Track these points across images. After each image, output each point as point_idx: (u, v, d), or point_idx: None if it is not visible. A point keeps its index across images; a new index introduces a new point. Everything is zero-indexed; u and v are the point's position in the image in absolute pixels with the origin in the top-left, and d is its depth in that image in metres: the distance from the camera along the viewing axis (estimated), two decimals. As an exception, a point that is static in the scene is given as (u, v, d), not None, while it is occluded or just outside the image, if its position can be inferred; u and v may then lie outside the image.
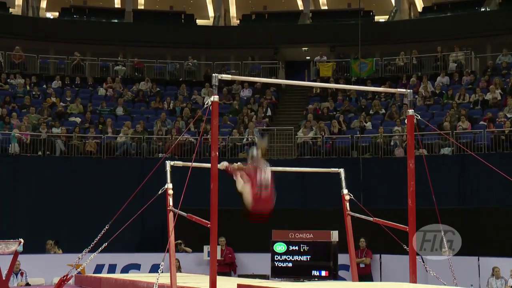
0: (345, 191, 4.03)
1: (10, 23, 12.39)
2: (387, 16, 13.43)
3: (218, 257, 6.67)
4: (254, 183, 3.04)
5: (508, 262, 6.33)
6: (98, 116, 9.94)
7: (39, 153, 8.86)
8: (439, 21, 12.30)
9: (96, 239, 3.91)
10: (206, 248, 6.88)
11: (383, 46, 12.22)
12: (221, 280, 3.42)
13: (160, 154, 8.93)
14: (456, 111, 9.21)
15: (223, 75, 3.19)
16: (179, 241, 6.98)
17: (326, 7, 14.50)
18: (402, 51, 11.54)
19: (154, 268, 6.37)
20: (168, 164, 3.55)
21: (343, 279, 6.64)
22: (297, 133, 9.46)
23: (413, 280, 3.49)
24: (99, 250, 3.90)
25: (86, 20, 13.33)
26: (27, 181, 8.53)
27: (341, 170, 4.09)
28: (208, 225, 2.97)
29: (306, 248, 6.04)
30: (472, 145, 8.32)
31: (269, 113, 10.45)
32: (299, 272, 6.04)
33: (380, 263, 7.13)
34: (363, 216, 3.93)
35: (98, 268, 6.91)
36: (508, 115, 8.84)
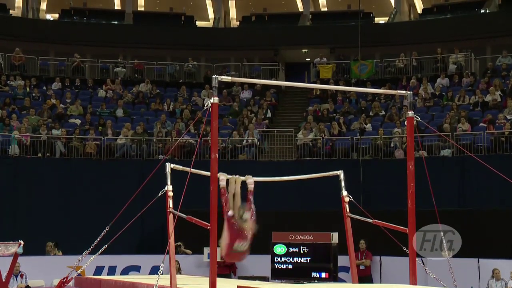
0: (344, 193, 4.00)
1: (10, 24, 12.41)
2: (387, 18, 13.45)
3: (218, 259, 6.65)
4: (231, 242, 3.05)
5: (508, 264, 6.33)
6: (98, 117, 9.95)
7: (39, 154, 8.87)
8: (439, 23, 12.32)
9: (96, 241, 3.91)
10: (206, 250, 6.87)
11: (383, 47, 12.24)
12: (221, 282, 3.42)
13: (160, 156, 8.93)
14: (456, 112, 9.22)
15: (223, 77, 3.20)
16: (179, 244, 6.97)
17: (326, 9, 14.52)
18: (402, 53, 11.55)
19: (154, 270, 6.34)
20: (168, 166, 3.53)
21: (343, 281, 6.64)
22: (297, 135, 9.46)
23: (413, 282, 3.49)
24: (99, 252, 3.90)
25: (86, 22, 13.36)
26: (27, 183, 8.53)
27: (341, 172, 4.06)
28: (208, 227, 2.98)
29: (306, 250, 6.04)
30: (472, 146, 8.33)
31: (269, 114, 10.46)
32: (299, 274, 6.04)
33: (380, 265, 7.13)
34: (363, 218, 3.91)
35: (98, 270, 6.91)
36: (508, 117, 8.85)
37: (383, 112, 10.08)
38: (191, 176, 3.28)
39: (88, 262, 4.05)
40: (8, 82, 10.75)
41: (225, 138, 9.26)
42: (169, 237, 3.36)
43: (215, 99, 2.97)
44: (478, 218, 7.21)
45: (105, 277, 6.08)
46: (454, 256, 3.97)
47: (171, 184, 3.48)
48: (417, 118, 3.45)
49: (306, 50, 13.18)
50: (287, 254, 6.11)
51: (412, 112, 3.44)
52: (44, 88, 10.87)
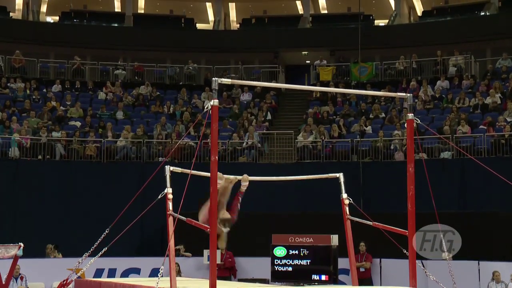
0: (344, 195, 3.97)
1: (11, 27, 12.44)
2: (387, 20, 13.48)
3: (218, 261, 6.64)
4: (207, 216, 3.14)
5: (508, 266, 6.32)
6: (98, 120, 9.97)
7: (39, 157, 8.87)
8: (439, 25, 12.34)
9: (96, 243, 3.88)
10: (206, 252, 6.86)
11: (383, 50, 12.27)
12: (221, 285, 3.41)
13: (160, 158, 8.93)
14: (456, 115, 9.23)
15: (223, 79, 3.19)
16: (178, 248, 6.96)
17: (326, 11, 14.54)
18: (402, 55, 11.58)
19: (154, 272, 6.36)
20: (168, 168, 3.52)
21: (343, 283, 6.62)
22: (297, 137, 9.47)
23: (413, 284, 3.48)
24: (99, 255, 3.86)
25: (86, 24, 13.39)
26: (27, 185, 8.52)
27: (340, 175, 4.02)
28: (208, 230, 2.94)
29: (306, 252, 6.05)
30: (472, 149, 8.33)
31: (269, 117, 10.47)
32: (299, 276, 6.04)
33: (380, 267, 7.12)
34: (363, 221, 3.87)
35: (98, 273, 6.89)
36: (508, 119, 8.86)
37: (383, 115, 10.09)
38: (191, 178, 3.26)
39: (88, 265, 3.99)
40: (9, 84, 10.76)
41: (225, 141, 9.26)
42: (169, 239, 3.34)
43: (215, 102, 2.94)
44: (478, 221, 7.20)
45: (105, 279, 6.05)
46: (454, 259, 3.96)
47: (171, 186, 3.47)
48: (417, 121, 3.42)
49: (306, 52, 13.20)
50: (287, 256, 6.12)
51: (412, 114, 3.40)
52: (44, 90, 10.88)
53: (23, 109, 10.02)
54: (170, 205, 3.45)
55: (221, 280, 4.56)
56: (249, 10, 14.41)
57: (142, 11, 14.51)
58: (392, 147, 8.98)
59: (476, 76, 10.94)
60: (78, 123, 9.81)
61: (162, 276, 3.35)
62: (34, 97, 10.52)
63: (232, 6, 14.70)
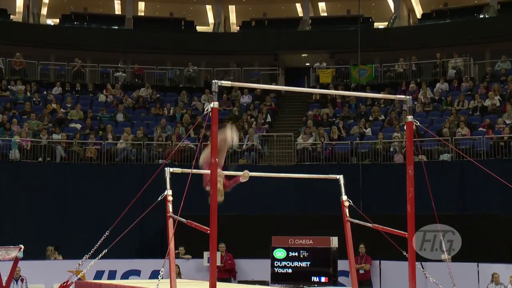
0: (344, 197, 3.97)
1: (11, 30, 12.49)
2: (386, 23, 13.53)
3: (218, 263, 6.66)
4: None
5: (507, 268, 6.33)
6: (99, 122, 9.99)
7: (40, 159, 8.89)
8: (438, 28, 12.39)
9: (97, 245, 3.88)
10: (206, 254, 6.87)
11: (383, 52, 12.30)
12: (221, 286, 3.43)
13: (160, 160, 8.95)
14: (455, 117, 9.26)
15: (223, 82, 3.19)
16: (178, 252, 6.96)
17: (325, 14, 14.61)
18: (402, 58, 11.62)
19: (154, 274, 6.37)
20: (168, 170, 3.52)
21: (342, 285, 6.63)
22: (296, 139, 9.50)
23: (413, 286, 3.48)
24: (99, 256, 3.86)
25: (86, 27, 13.44)
26: (27, 187, 8.54)
27: (340, 177, 4.02)
28: (208, 231, 2.93)
29: (305, 254, 6.07)
30: (471, 151, 8.35)
31: (268, 119, 10.49)
32: (298, 278, 6.06)
33: (380, 269, 7.12)
34: (362, 222, 3.87)
35: (98, 274, 6.90)
36: (507, 122, 8.88)
37: (383, 117, 10.11)
38: (191, 180, 3.24)
39: (88, 267, 3.99)
40: (9, 87, 10.80)
41: (225, 143, 9.25)
42: (169, 241, 3.34)
43: (215, 104, 2.94)
44: (477, 223, 7.21)
45: (105, 281, 6.07)
46: (454, 260, 3.96)
47: (171, 188, 3.46)
48: (417, 123, 3.42)
49: (305, 55, 13.24)
50: (287, 258, 6.14)
51: (412, 116, 3.39)
52: (45, 92, 10.91)
53: (24, 112, 10.06)
54: (170, 207, 3.45)
55: (221, 282, 4.57)
56: (249, 13, 14.48)
57: (142, 14, 14.57)
58: (391, 149, 9.00)
59: (475, 78, 10.98)
60: (78, 125, 9.83)
61: (162, 278, 3.35)
62: (34, 99, 10.56)
63: (232, 9, 14.75)
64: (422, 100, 10.20)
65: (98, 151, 9.10)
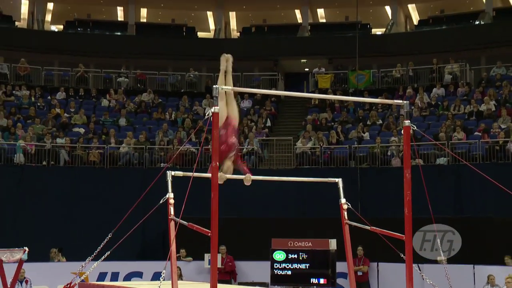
0: (343, 200, 4.00)
1: (16, 36, 12.66)
2: (384, 29, 13.67)
3: (219, 265, 6.76)
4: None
5: (502, 270, 6.42)
6: (101, 126, 10.13)
7: (44, 163, 9.02)
8: (434, 34, 12.54)
9: (99, 247, 3.93)
10: (207, 256, 6.98)
11: (380, 58, 12.44)
12: (221, 288, 3.47)
13: (162, 164, 9.07)
14: (451, 122, 9.38)
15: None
16: (179, 255, 7.07)
17: (324, 20, 14.77)
18: (399, 63, 11.76)
19: (156, 276, 6.43)
20: (169, 174, 3.55)
21: (341, 286, 6.73)
22: (296, 143, 9.61)
23: (410, 287, 3.56)
24: (102, 258, 3.91)
25: (90, 33, 13.60)
26: (31, 190, 8.65)
27: (339, 180, 4.06)
28: (209, 234, 2.95)
29: (305, 256, 6.12)
30: (467, 155, 8.47)
31: (268, 123, 10.63)
32: (298, 280, 6.13)
33: (378, 271, 7.21)
34: (360, 225, 3.91)
35: (101, 276, 6.99)
36: (502, 126, 9.00)
37: (380, 121, 10.23)
38: (192, 184, 3.23)
39: (91, 268, 4.02)
40: (14, 92, 10.95)
41: (226, 147, 9.36)
42: (170, 243, 3.37)
43: (216, 108, 2.97)
44: (473, 225, 7.31)
45: (108, 283, 6.17)
46: (451, 262, 4.02)
47: (173, 191, 3.49)
48: (414, 127, 3.43)
49: (305, 60, 13.38)
50: (286, 260, 6.19)
51: (409, 121, 3.40)
52: (49, 97, 11.06)
53: (28, 116, 10.19)
54: (171, 210, 3.48)
55: (222, 283, 4.60)
56: (249, 19, 14.64)
57: (145, 20, 14.75)
58: (389, 153, 9.12)
59: (471, 83, 11.11)
60: (81, 130, 9.97)
61: (164, 280, 3.39)
62: (38, 104, 10.70)
63: (232, 15, 14.93)
64: (419, 105, 10.34)
65: (101, 155, 9.21)
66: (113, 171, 9.09)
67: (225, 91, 3.62)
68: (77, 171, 9.05)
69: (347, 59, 11.90)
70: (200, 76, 12.59)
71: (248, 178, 3.48)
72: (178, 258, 6.79)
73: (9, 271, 5.00)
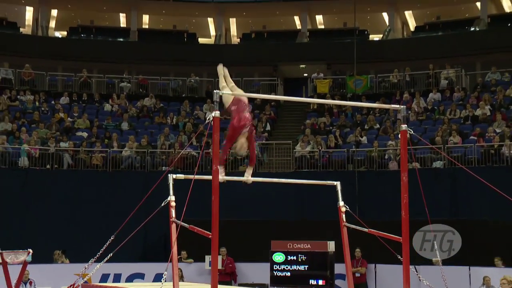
0: (341, 203, 4.02)
1: (21, 42, 12.88)
2: (381, 35, 13.86)
3: (219, 267, 6.88)
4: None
5: (498, 272, 6.51)
6: (104, 131, 10.26)
7: (48, 166, 9.16)
8: (431, 40, 12.72)
9: (102, 249, 3.93)
10: (207, 258, 7.07)
11: (378, 63, 12.60)
12: (221, 289, 3.54)
13: (163, 167, 9.20)
14: (447, 126, 9.51)
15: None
16: (180, 257, 7.17)
17: (322, 26, 14.97)
18: (396, 69, 11.92)
19: (158, 278, 6.51)
20: (171, 177, 3.57)
21: (339, 288, 6.84)
22: (295, 147, 9.73)
23: (407, 289, 3.56)
24: (104, 260, 3.91)
25: (93, 39, 13.80)
26: (36, 193, 8.77)
27: (338, 183, 4.06)
28: (210, 236, 2.97)
29: (304, 258, 6.20)
30: (463, 159, 8.59)
31: (268, 128, 10.76)
32: (297, 281, 6.21)
33: (375, 272, 7.28)
34: (358, 227, 3.93)
35: (104, 277, 7.07)
36: (497, 130, 9.14)
37: (378, 126, 10.36)
38: (193, 186, 3.24)
39: (94, 270, 4.03)
40: (18, 96, 11.11)
41: (226, 151, 9.49)
42: (172, 245, 3.39)
43: (217, 113, 2.99)
44: (469, 228, 7.39)
45: (111, 284, 6.25)
46: (447, 264, 4.04)
47: (174, 194, 3.51)
48: (410, 131, 3.43)
49: (303, 65, 13.55)
50: (285, 262, 6.28)
51: (406, 125, 3.41)
52: (53, 102, 11.23)
53: (32, 120, 10.34)
54: (173, 212, 3.50)
55: (222, 285, 4.59)
56: (249, 25, 14.83)
57: (147, 27, 14.95)
58: (386, 157, 9.24)
59: (467, 88, 11.26)
60: (85, 134, 10.10)
61: (165, 281, 3.41)
62: (43, 108, 10.86)
63: (232, 21, 15.13)
64: (416, 110, 10.48)
65: (104, 158, 9.35)
66: (116, 174, 9.21)
67: (226, 77, 3.59)
68: (80, 174, 9.17)
69: (345, 64, 12.04)
70: (201, 81, 12.74)
71: (249, 179, 3.50)
72: (179, 260, 6.93)
73: (14, 273, 5.04)
